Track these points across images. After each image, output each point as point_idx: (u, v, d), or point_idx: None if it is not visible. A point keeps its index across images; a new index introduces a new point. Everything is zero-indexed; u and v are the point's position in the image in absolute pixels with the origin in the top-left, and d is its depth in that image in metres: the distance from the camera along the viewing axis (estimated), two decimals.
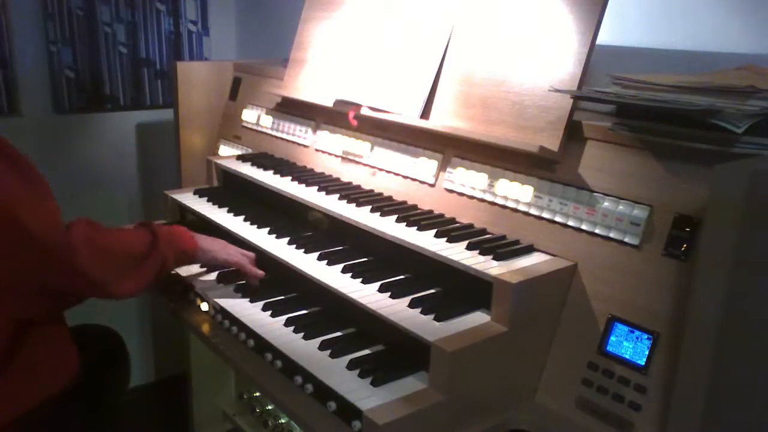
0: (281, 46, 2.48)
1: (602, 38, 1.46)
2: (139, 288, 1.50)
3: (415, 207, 1.74)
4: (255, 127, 2.41)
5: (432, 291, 1.48)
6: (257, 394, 2.30)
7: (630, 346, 1.29)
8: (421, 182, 1.77)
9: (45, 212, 1.37)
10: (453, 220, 1.64)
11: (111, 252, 1.46)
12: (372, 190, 1.87)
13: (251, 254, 1.71)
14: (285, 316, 1.54)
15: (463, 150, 1.67)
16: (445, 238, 1.50)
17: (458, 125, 1.67)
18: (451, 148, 1.71)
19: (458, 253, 1.44)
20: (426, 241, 1.50)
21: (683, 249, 1.25)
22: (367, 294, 1.44)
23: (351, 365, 1.34)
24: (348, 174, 1.98)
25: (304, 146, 2.17)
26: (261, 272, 1.67)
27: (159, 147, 2.96)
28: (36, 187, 1.39)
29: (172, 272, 1.72)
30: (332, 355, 1.39)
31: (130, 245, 1.51)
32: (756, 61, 1.51)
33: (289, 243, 1.71)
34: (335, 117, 2.04)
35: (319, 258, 1.62)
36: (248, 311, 1.59)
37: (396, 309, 1.38)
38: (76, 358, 1.55)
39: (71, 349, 1.54)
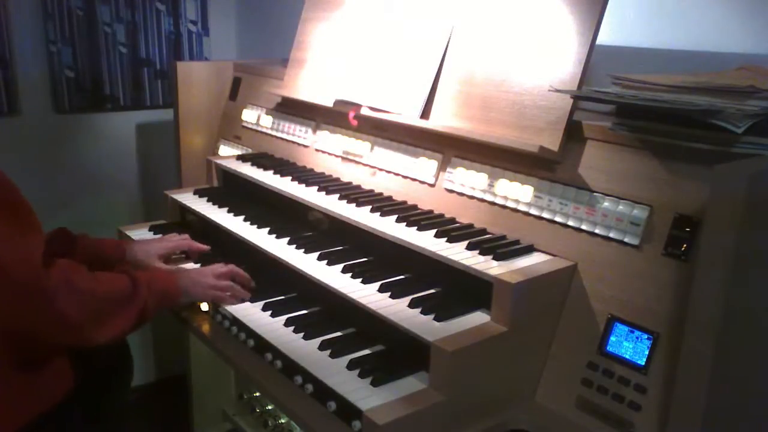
0: (281, 46, 2.48)
1: (602, 38, 1.46)
2: (116, 334, 1.44)
3: (415, 207, 1.74)
4: (255, 127, 2.41)
5: (432, 291, 1.48)
6: (257, 394, 2.30)
7: (630, 346, 1.29)
8: (421, 182, 1.77)
9: (23, 249, 1.28)
10: (453, 220, 1.64)
11: (91, 295, 1.39)
12: (372, 190, 1.87)
13: (228, 270, 1.67)
14: (285, 316, 1.54)
15: (463, 150, 1.67)
16: (445, 238, 1.50)
17: (458, 125, 1.67)
18: (451, 148, 1.70)
19: (458, 253, 1.44)
20: (426, 241, 1.50)
21: (683, 249, 1.25)
22: (367, 294, 1.44)
23: (351, 365, 1.34)
24: (348, 174, 1.98)
25: (304, 146, 2.17)
26: (239, 301, 1.63)
27: (159, 147, 2.96)
28: (17, 219, 1.30)
29: None
30: (332, 355, 1.39)
31: (111, 289, 1.44)
32: (756, 61, 1.51)
33: (289, 243, 1.71)
34: (335, 117, 2.04)
35: (319, 258, 1.62)
36: (248, 311, 1.59)
37: (396, 309, 1.38)
38: (72, 371, 1.51)
39: (66, 363, 1.50)
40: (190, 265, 1.81)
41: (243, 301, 1.63)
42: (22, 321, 1.34)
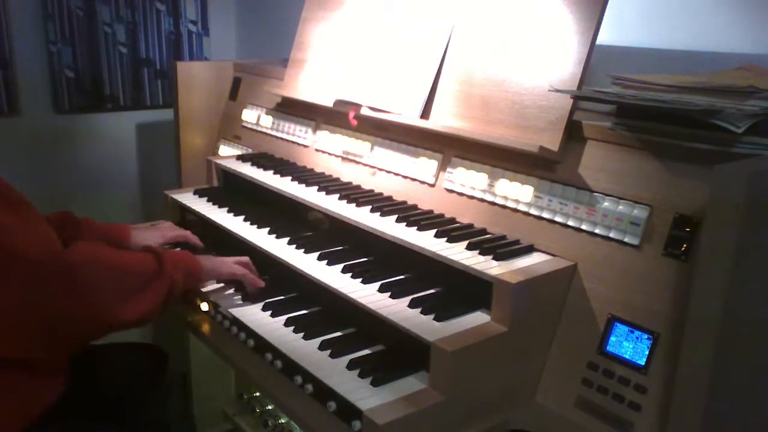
0: (281, 46, 2.48)
1: (602, 38, 1.46)
2: (145, 312, 1.39)
3: (415, 207, 1.74)
4: (255, 127, 2.41)
5: (432, 291, 1.48)
6: (257, 394, 2.30)
7: (630, 346, 1.29)
8: (421, 182, 1.77)
9: (36, 235, 1.27)
10: (453, 220, 1.64)
11: (117, 269, 1.36)
12: (372, 190, 1.87)
13: (245, 259, 1.67)
14: (285, 316, 1.54)
15: (463, 150, 1.67)
16: (445, 238, 1.50)
17: (458, 125, 1.67)
18: (451, 148, 1.70)
19: (458, 253, 1.44)
20: (426, 241, 1.50)
21: (683, 249, 1.25)
22: (367, 294, 1.44)
23: (351, 365, 1.34)
24: (348, 174, 1.98)
25: (304, 146, 2.17)
26: (261, 282, 1.64)
27: (159, 147, 2.96)
28: (21, 212, 1.28)
29: None
30: (332, 355, 1.39)
31: (136, 264, 1.42)
32: (756, 61, 1.51)
33: (289, 243, 1.71)
34: (335, 117, 2.04)
35: (319, 258, 1.62)
36: (248, 311, 1.59)
37: (396, 309, 1.38)
38: (64, 375, 1.44)
39: (60, 366, 1.44)
40: None
41: (256, 297, 1.62)
42: (50, 306, 1.27)
